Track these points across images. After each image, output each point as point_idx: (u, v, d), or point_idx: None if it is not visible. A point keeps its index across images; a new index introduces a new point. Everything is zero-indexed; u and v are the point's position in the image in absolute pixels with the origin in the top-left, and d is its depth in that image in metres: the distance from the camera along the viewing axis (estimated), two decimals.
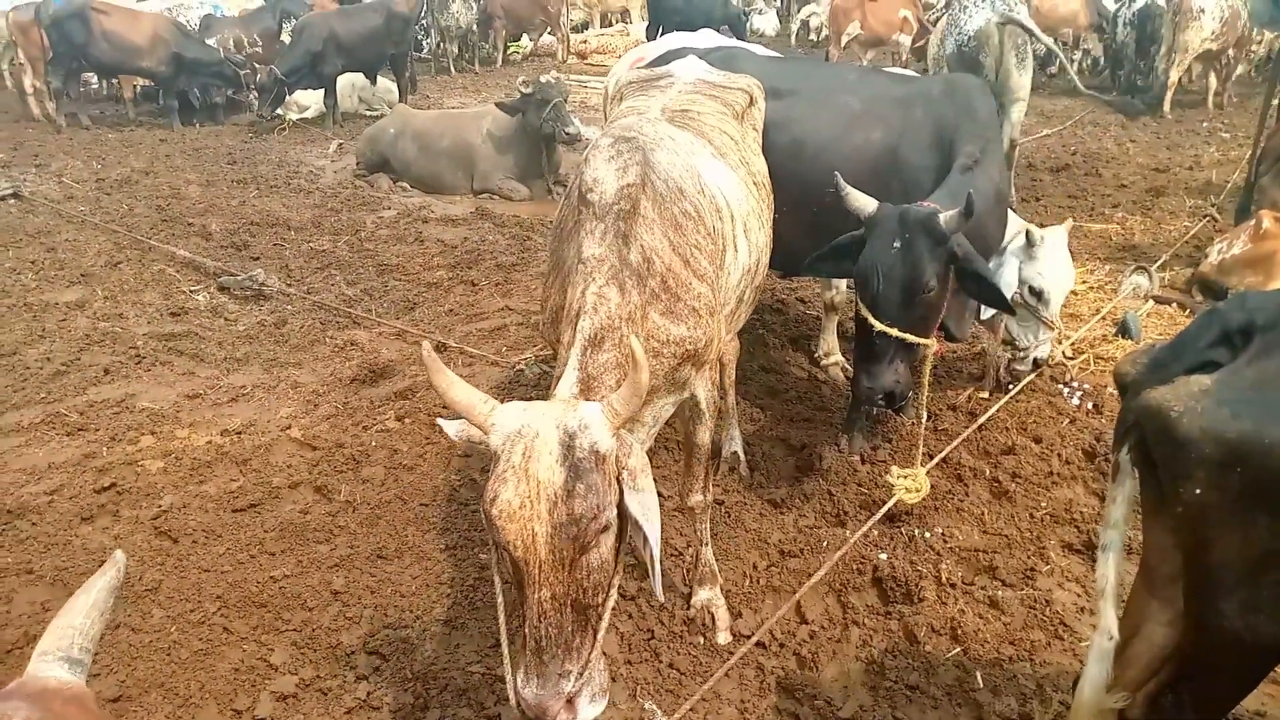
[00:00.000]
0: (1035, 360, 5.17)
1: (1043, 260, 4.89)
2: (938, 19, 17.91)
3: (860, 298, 3.88)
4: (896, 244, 3.72)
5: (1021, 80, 8.08)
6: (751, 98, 4.31)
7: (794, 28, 22.94)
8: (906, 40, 16.68)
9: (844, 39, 16.83)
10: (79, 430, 4.98)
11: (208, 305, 6.89)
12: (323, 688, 3.37)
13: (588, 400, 2.46)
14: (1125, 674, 2.46)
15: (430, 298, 7.02)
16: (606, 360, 2.63)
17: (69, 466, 4.62)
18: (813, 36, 22.31)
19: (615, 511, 2.28)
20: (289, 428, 5.01)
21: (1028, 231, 4.87)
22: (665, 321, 2.94)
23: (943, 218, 3.71)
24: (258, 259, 7.80)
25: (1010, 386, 5.29)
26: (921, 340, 3.83)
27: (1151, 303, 6.78)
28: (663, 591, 2.44)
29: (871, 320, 3.78)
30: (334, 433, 4.97)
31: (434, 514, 4.33)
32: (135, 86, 15.02)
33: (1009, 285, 4.75)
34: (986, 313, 4.87)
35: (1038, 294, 4.91)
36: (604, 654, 2.41)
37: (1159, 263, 7.23)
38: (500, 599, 2.48)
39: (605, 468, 2.24)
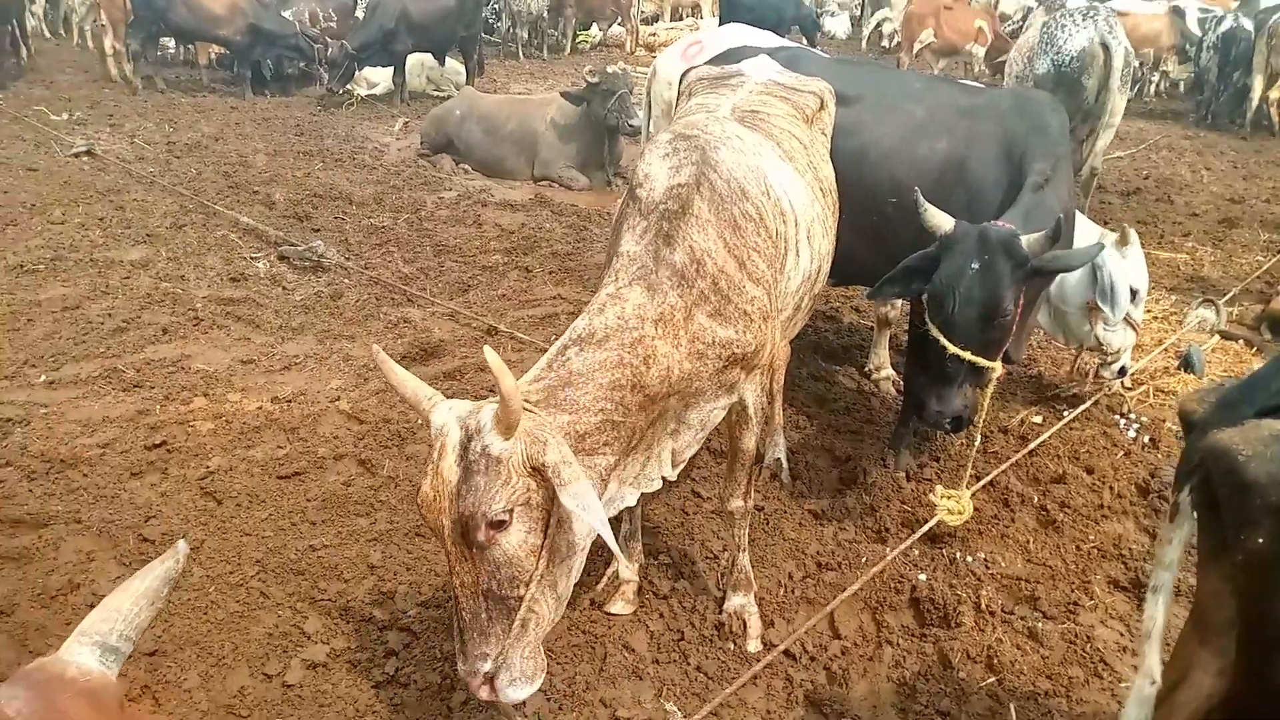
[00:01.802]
0: (1123, 368, 5.05)
1: (1135, 258, 4.80)
2: (1013, 31, 17.69)
3: (932, 318, 3.77)
4: (975, 265, 3.61)
5: (1120, 105, 7.93)
6: (822, 102, 4.25)
7: (866, 32, 22.68)
8: (980, 51, 16.44)
9: (916, 46, 16.62)
10: (134, 387, 5.08)
11: (267, 273, 6.99)
12: (352, 659, 3.40)
13: (554, 396, 2.53)
14: None
15: (484, 281, 7.05)
16: (606, 359, 2.62)
17: (123, 421, 4.71)
18: (884, 43, 22.05)
19: (511, 510, 2.33)
20: (338, 399, 5.06)
21: (1122, 229, 4.78)
22: (712, 323, 2.92)
23: (1026, 241, 3.61)
24: (318, 231, 7.90)
25: (1086, 398, 5.21)
26: (990, 364, 3.74)
27: (1217, 338, 6.60)
28: (630, 567, 2.70)
29: (944, 342, 3.69)
30: (381, 408, 5.01)
31: None
32: (211, 54, 15.29)
33: (1122, 287, 4.66)
34: (1076, 322, 4.78)
35: (1133, 294, 4.81)
36: (537, 645, 2.50)
37: (1228, 296, 7.03)
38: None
39: (501, 468, 2.30)
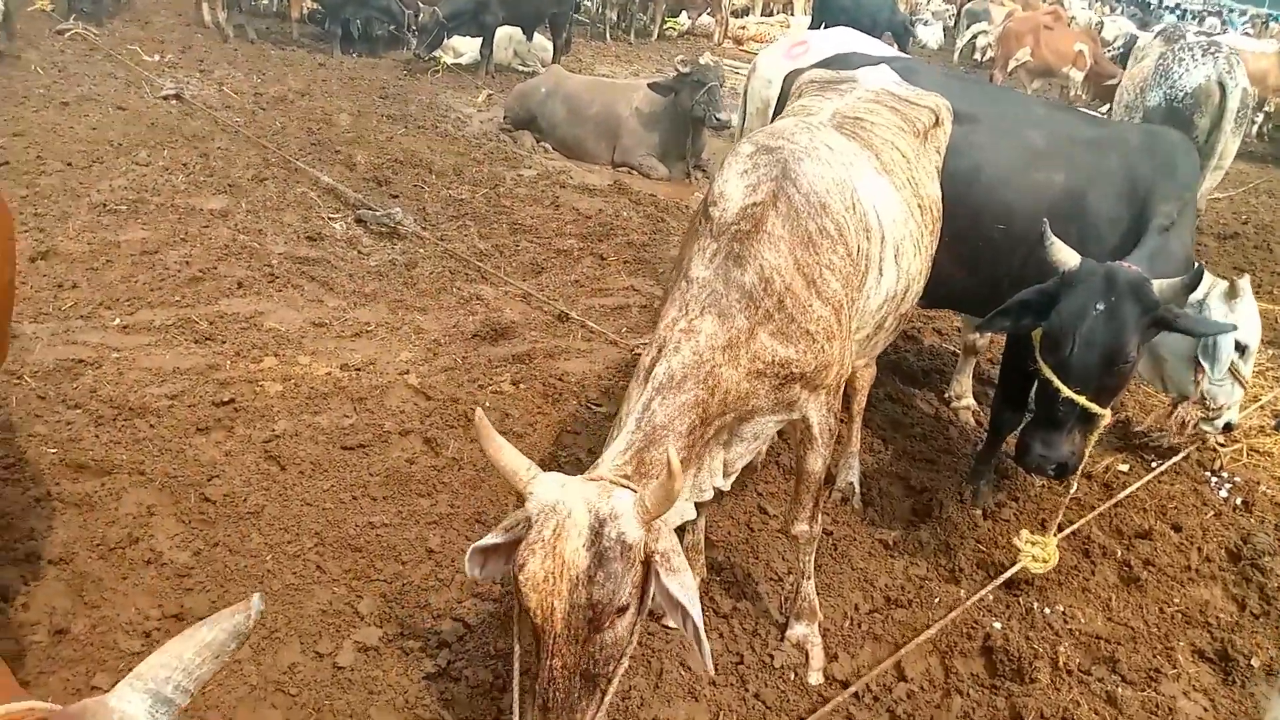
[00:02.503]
0: (1229, 424, 4.80)
1: (1244, 311, 4.54)
2: (1114, 57, 17.15)
3: (1044, 358, 3.57)
4: (1100, 306, 3.41)
5: (1232, 148, 7.58)
6: (938, 118, 4.05)
7: (960, 44, 22.15)
8: (1078, 76, 15.95)
9: (1011, 64, 16.19)
10: (206, 339, 5.06)
11: (343, 235, 6.95)
12: (405, 646, 3.32)
13: (643, 460, 2.47)
14: None
15: (558, 264, 6.94)
16: (684, 402, 2.56)
17: (193, 374, 4.69)
18: (977, 56, 21.53)
19: (632, 595, 2.29)
20: (407, 373, 4.99)
21: (1231, 281, 4.52)
22: (773, 342, 2.81)
23: (1157, 285, 3.40)
24: (397, 197, 7.85)
25: (1177, 450, 4.97)
26: (1102, 411, 3.54)
27: None
28: (713, 667, 2.50)
29: (1057, 384, 3.50)
30: (449, 386, 4.93)
31: None
32: (303, 8, 15.36)
33: (1227, 342, 4.41)
34: (1178, 373, 4.55)
35: (1242, 349, 4.55)
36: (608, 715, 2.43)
37: None
38: (516, 647, 2.53)
39: (630, 554, 2.24)
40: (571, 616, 2.18)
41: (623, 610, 2.26)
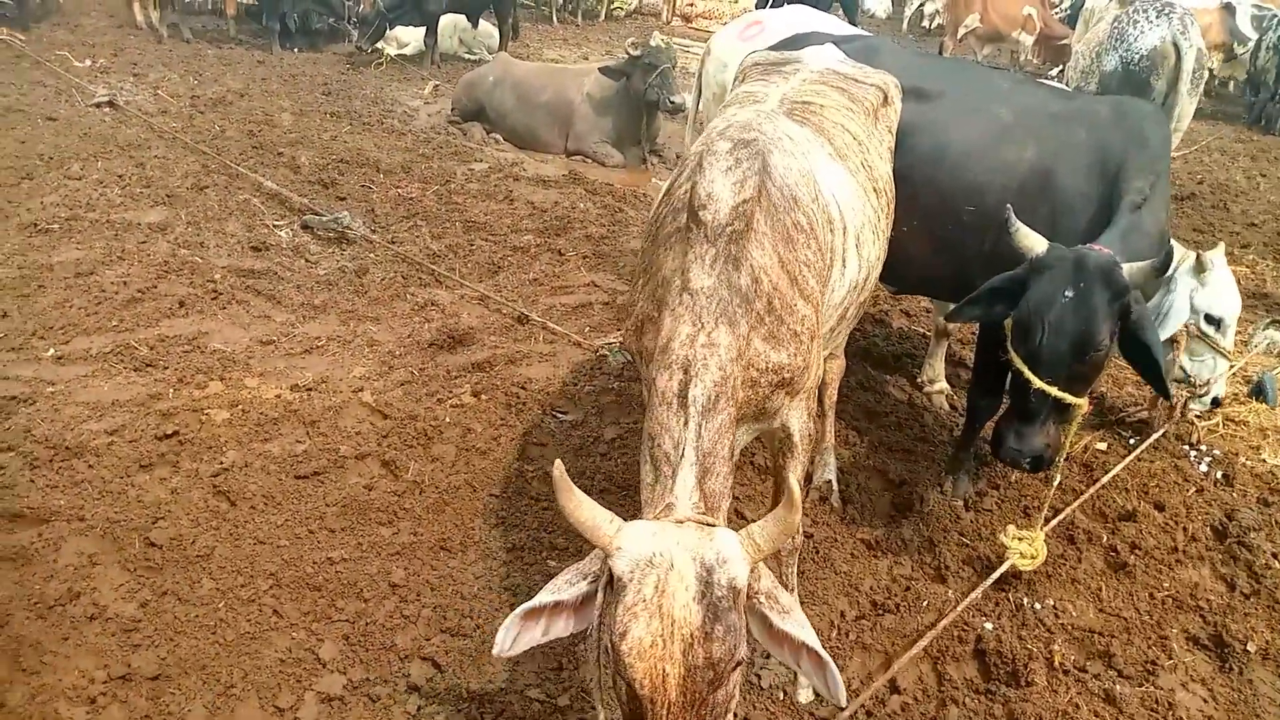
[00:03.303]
0: (1215, 399, 4.70)
1: (1216, 284, 4.43)
2: (1063, 17, 17.10)
3: (1015, 348, 3.45)
4: (1069, 293, 3.28)
5: (1189, 110, 7.48)
6: (886, 96, 3.91)
7: (907, 13, 22.04)
8: (1028, 40, 15.90)
9: (960, 31, 16.10)
10: (147, 366, 4.80)
11: (290, 243, 6.68)
12: (371, 693, 3.13)
13: (705, 494, 2.25)
14: None
15: (515, 263, 6.72)
16: (722, 424, 2.36)
17: (133, 406, 4.43)
18: (926, 23, 21.44)
19: (746, 646, 2.08)
20: (361, 390, 4.77)
21: (1198, 255, 4.41)
22: (766, 348, 2.64)
23: (1128, 269, 3.28)
24: (344, 199, 7.58)
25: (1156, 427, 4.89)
26: (1076, 401, 3.41)
27: None
28: (845, 696, 2.23)
29: (1028, 375, 3.37)
30: (407, 402, 4.71)
31: (504, 507, 4.06)
32: (239, 3, 14.87)
33: (1181, 313, 4.29)
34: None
35: (1216, 322, 4.45)
36: None
37: None
38: None
39: (739, 602, 2.03)
40: (688, 681, 1.95)
41: (738, 665, 2.04)
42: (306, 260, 6.44)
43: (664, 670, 1.94)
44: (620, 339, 5.56)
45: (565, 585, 2.19)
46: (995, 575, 3.63)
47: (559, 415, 4.78)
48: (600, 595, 2.13)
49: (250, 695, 3.06)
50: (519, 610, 2.14)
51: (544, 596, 2.17)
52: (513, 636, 2.15)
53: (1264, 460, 4.94)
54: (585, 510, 2.10)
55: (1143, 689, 3.45)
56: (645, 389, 3.06)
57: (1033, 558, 3.69)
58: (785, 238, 2.73)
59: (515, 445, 4.48)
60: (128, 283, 5.66)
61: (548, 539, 3.91)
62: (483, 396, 4.83)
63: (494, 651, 2.13)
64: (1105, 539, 4.25)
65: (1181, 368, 4.55)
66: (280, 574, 3.53)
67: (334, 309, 5.74)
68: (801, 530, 2.35)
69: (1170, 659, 3.61)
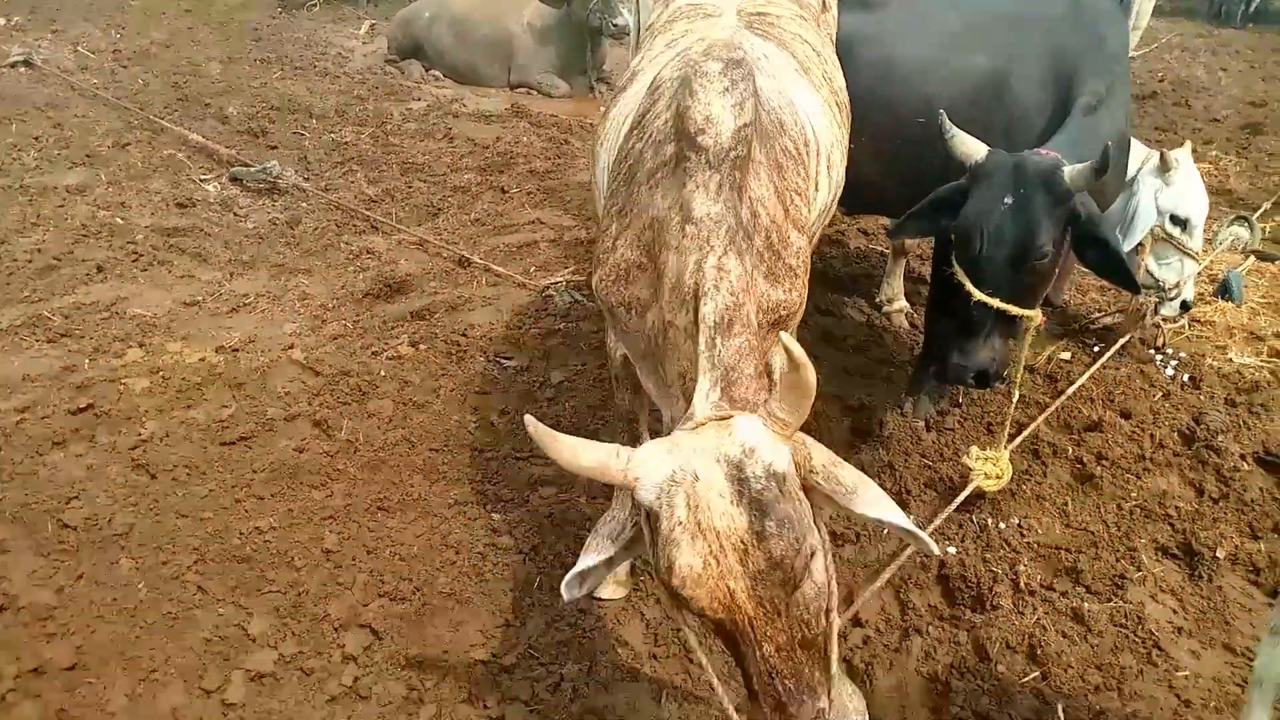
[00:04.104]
0: (1185, 303, 4.55)
1: (1181, 184, 4.25)
2: None
3: (958, 260, 3.28)
4: (1008, 199, 3.11)
5: (1147, 6, 7.21)
6: (824, 1, 3.67)
7: None
8: None
9: None
10: (61, 337, 4.52)
11: (217, 197, 6.35)
12: (305, 666, 2.96)
13: (733, 400, 2.04)
14: None
15: (456, 203, 6.44)
16: (740, 347, 2.15)
17: (45, 380, 4.16)
18: None
19: (817, 532, 1.93)
20: (291, 347, 4.52)
21: (1162, 154, 4.22)
22: (767, 286, 2.46)
23: (1067, 172, 3.09)
24: (275, 149, 7.23)
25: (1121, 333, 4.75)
26: (1025, 312, 3.24)
27: (1252, 259, 6.09)
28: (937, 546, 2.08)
29: (970, 288, 3.20)
30: (340, 356, 4.48)
31: (444, 462, 3.86)
32: None
33: (1147, 216, 4.10)
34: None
35: (1181, 223, 4.27)
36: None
37: (1259, 211, 6.49)
38: (705, 661, 2.08)
39: (788, 485, 1.85)
40: (758, 590, 1.80)
41: (813, 553, 1.88)
42: (235, 214, 6.13)
43: (728, 588, 1.79)
44: (566, 277, 5.33)
45: (606, 543, 2.06)
46: (958, 500, 3.49)
47: (503, 362, 4.56)
48: (647, 531, 1.96)
49: (174, 679, 2.87)
50: (571, 574, 2.03)
51: (589, 560, 2.04)
52: (576, 589, 2.05)
53: (1230, 360, 4.82)
54: (585, 453, 1.92)
55: (1111, 604, 3.34)
56: (616, 339, 2.86)
57: (998, 478, 3.55)
58: (776, 166, 2.55)
59: (456, 396, 4.27)
60: (42, 250, 5.34)
61: (492, 491, 3.73)
62: (421, 346, 4.60)
63: (564, 600, 2.05)
64: (1071, 452, 4.12)
65: (1148, 272, 4.39)
66: (204, 548, 3.33)
67: (263, 264, 5.46)
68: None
69: (1139, 571, 3.50)
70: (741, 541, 1.77)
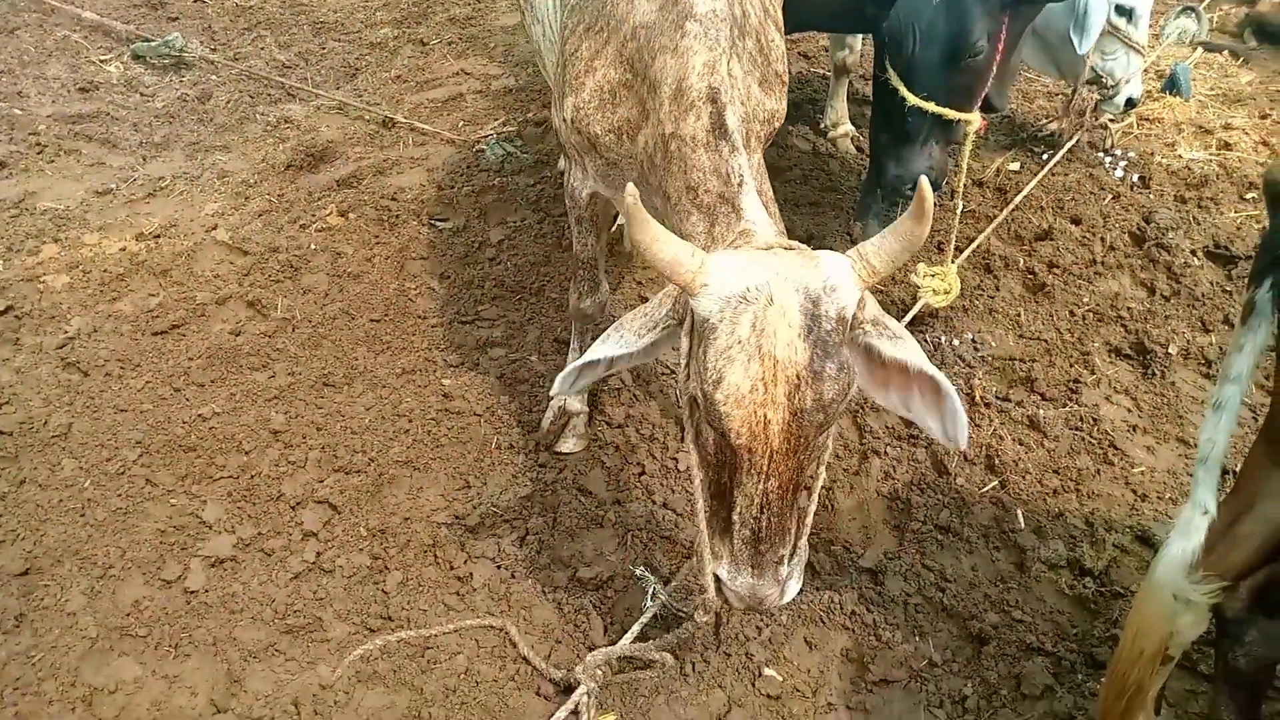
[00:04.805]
0: (1130, 99, 4.43)
1: None
2: None
3: (892, 64, 3.14)
4: None
5: None
6: None
7: None
8: None
9: None
10: None
11: (121, 77, 5.95)
12: (265, 547, 2.92)
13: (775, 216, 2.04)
14: (1227, 557, 1.98)
15: (374, 61, 6.09)
16: (758, 163, 2.12)
17: None
18: None
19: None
20: (215, 228, 4.31)
21: None
22: (761, 94, 2.38)
23: None
24: (176, 20, 6.74)
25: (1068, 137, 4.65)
26: (963, 116, 3.13)
27: (1200, 50, 5.95)
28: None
29: (903, 92, 3.07)
30: (267, 233, 4.28)
31: (387, 331, 3.75)
32: None
33: (1101, 10, 3.94)
34: (1066, 53, 4.12)
35: (1127, 13, 4.12)
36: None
37: (1206, 1, 6.30)
38: (698, 475, 2.02)
39: (844, 332, 1.81)
40: (792, 427, 1.77)
41: (850, 402, 1.87)
42: (141, 94, 5.75)
43: (765, 417, 1.75)
44: (496, 129, 5.10)
45: (632, 337, 1.98)
46: (908, 318, 3.46)
47: (438, 223, 4.39)
48: (685, 342, 1.91)
49: (132, 572, 2.83)
50: (579, 362, 1.99)
51: (607, 349, 1.97)
52: (570, 383, 2.02)
53: (1180, 156, 4.75)
54: (664, 245, 1.82)
55: (1066, 409, 3.37)
56: (584, 178, 2.73)
57: (946, 293, 3.49)
58: None
59: (392, 263, 4.11)
60: None
61: (440, 357, 3.64)
62: (351, 215, 4.41)
63: (552, 392, 2.05)
64: (1023, 263, 4.09)
65: (1093, 68, 4.25)
66: (148, 440, 3.23)
67: (177, 144, 5.16)
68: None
69: (1093, 374, 3.53)
70: (797, 376, 1.73)
